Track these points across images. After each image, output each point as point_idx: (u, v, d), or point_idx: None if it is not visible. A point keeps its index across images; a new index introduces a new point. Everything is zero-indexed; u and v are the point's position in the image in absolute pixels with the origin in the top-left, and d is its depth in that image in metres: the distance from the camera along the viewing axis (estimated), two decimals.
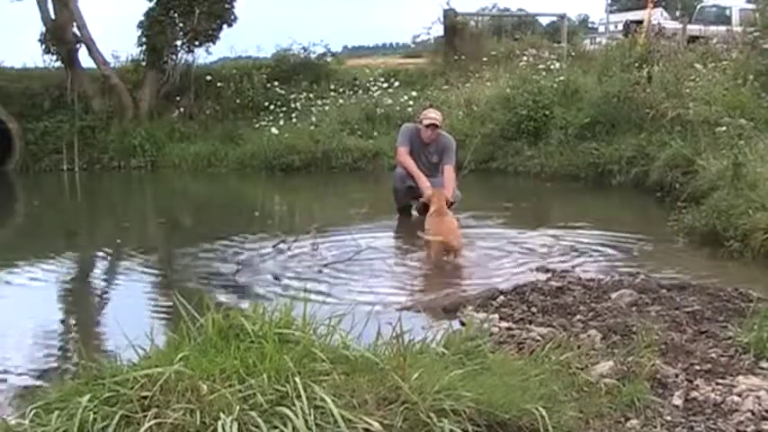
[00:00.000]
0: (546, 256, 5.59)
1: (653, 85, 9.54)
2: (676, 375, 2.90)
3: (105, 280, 5.33)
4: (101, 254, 6.13)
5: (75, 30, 14.36)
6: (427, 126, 6.99)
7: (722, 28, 14.34)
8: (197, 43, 14.74)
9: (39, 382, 3.26)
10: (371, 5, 74.69)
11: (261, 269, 5.39)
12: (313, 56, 15.40)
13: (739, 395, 2.71)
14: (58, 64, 14.70)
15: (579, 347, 3.08)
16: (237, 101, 14.44)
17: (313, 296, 2.83)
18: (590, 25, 35.65)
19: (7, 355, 3.68)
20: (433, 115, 7.12)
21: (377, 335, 2.63)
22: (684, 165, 7.79)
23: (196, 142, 13.83)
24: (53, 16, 14.33)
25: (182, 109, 14.53)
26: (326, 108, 13.53)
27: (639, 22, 14.94)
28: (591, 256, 5.61)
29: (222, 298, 4.55)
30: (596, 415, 2.54)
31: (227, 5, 14.85)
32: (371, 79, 14.45)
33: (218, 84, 14.59)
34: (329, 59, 15.64)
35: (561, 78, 11.54)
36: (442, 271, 5.36)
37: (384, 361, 2.42)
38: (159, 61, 14.56)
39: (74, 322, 4.40)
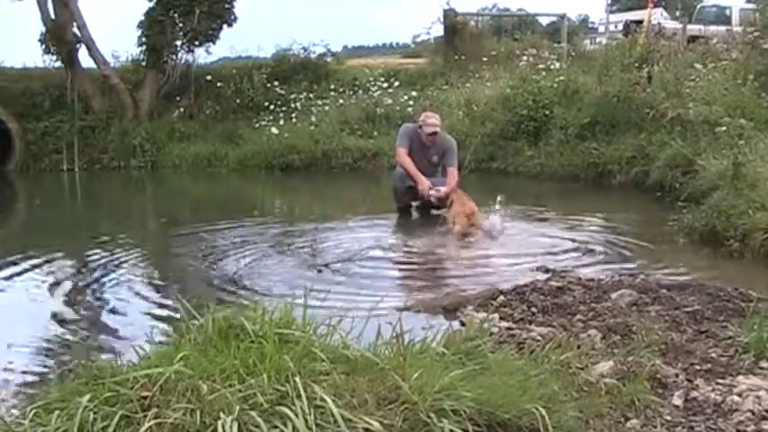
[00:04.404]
0: (546, 255, 5.59)
1: (653, 85, 9.55)
2: (676, 375, 2.90)
3: (106, 279, 5.32)
4: (101, 253, 6.13)
5: (75, 30, 14.38)
6: (429, 134, 7.01)
7: (722, 28, 14.33)
8: (197, 43, 14.76)
9: (39, 382, 3.26)
10: (371, 5, 74.71)
11: (261, 268, 5.38)
12: (313, 56, 15.43)
13: (739, 395, 2.71)
14: (58, 64, 14.71)
15: (579, 347, 3.08)
16: (237, 101, 14.46)
17: (313, 296, 2.82)
18: (590, 25, 35.62)
19: (7, 355, 3.67)
20: (432, 121, 7.11)
21: (377, 335, 2.63)
22: (684, 165, 7.79)
23: (196, 142, 13.84)
24: (53, 16, 14.35)
25: (182, 109, 14.55)
26: (326, 108, 13.54)
27: (639, 22, 14.92)
28: (591, 255, 5.61)
29: (222, 298, 4.55)
30: (596, 415, 2.54)
31: (227, 5, 14.86)
32: (371, 79, 14.47)
33: (218, 84, 14.61)
34: (329, 59, 15.66)
35: (561, 78, 11.54)
36: (441, 270, 5.37)
37: (384, 361, 2.42)
38: (159, 61, 14.57)
39: (74, 322, 4.40)
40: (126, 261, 5.87)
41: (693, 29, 15.50)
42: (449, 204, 6.64)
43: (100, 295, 5.00)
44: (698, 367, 2.99)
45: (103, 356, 3.28)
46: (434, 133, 7.04)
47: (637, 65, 9.92)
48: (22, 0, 14.97)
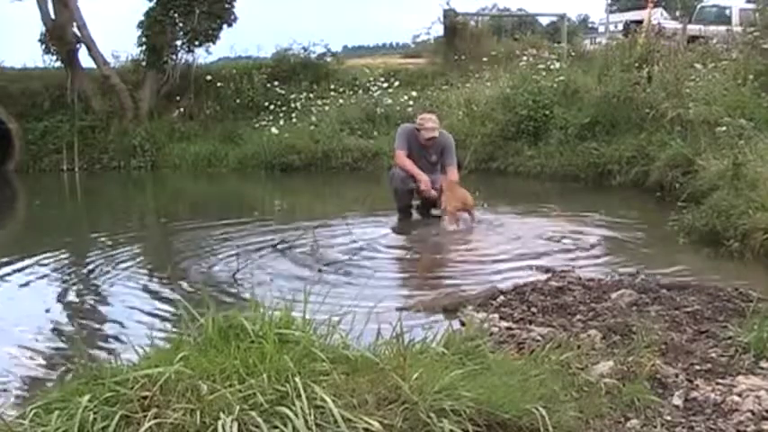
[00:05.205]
0: (546, 255, 5.59)
1: (653, 85, 9.53)
2: (676, 375, 2.90)
3: (106, 279, 5.32)
4: (102, 253, 6.13)
5: (76, 30, 14.38)
6: (427, 139, 7.01)
7: (722, 28, 14.33)
8: (197, 43, 14.77)
9: (39, 382, 3.26)
10: (371, 5, 74.62)
11: (261, 268, 5.38)
12: (313, 56, 15.44)
13: (739, 395, 2.71)
14: (58, 64, 14.72)
15: (579, 347, 3.07)
16: (237, 101, 14.47)
17: (313, 296, 2.82)
18: (590, 25, 35.59)
19: (7, 355, 3.67)
20: (430, 125, 7.09)
21: (377, 335, 2.63)
22: (684, 165, 7.78)
23: (196, 142, 13.85)
24: (53, 16, 14.35)
25: (182, 109, 14.56)
26: (326, 108, 13.55)
27: (639, 22, 14.92)
28: (591, 255, 5.61)
29: (222, 298, 4.55)
30: (596, 415, 2.54)
31: (227, 5, 14.87)
32: (371, 79, 14.47)
33: (218, 84, 14.61)
34: (329, 59, 15.66)
35: (561, 78, 11.53)
36: (441, 270, 5.36)
37: (384, 361, 2.42)
38: (159, 61, 14.58)
39: (74, 322, 4.40)
40: (126, 261, 5.87)
41: (693, 29, 15.49)
42: (440, 189, 6.74)
43: (100, 295, 5.00)
44: (698, 367, 2.98)
45: (103, 356, 3.28)
46: (432, 138, 7.05)
47: (637, 65, 9.90)
48: (22, 0, 15.00)
